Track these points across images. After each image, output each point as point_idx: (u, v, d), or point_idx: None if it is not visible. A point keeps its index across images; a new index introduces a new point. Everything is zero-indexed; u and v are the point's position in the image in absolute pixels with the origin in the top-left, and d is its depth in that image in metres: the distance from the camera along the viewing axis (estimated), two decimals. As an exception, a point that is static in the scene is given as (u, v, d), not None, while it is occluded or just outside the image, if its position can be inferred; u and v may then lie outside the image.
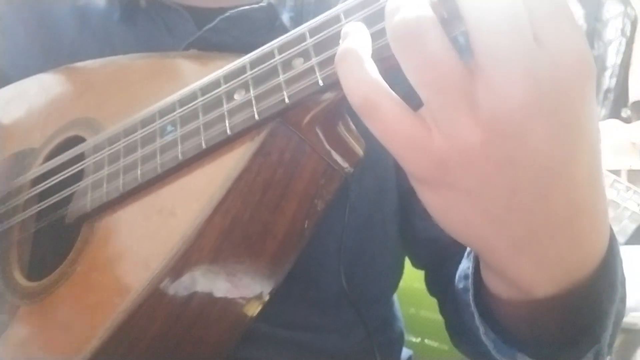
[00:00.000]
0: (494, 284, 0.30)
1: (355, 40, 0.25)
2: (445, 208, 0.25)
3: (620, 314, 0.29)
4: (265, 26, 0.46)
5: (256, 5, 0.46)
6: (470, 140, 0.22)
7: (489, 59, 0.21)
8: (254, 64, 0.32)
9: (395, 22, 0.23)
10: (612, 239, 0.28)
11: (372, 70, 0.24)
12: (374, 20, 0.27)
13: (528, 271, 0.26)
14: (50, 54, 0.52)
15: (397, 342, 0.58)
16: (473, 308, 0.32)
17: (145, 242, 0.34)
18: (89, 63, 0.47)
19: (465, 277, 0.34)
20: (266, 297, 0.38)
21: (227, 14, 0.45)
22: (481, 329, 0.32)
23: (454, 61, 0.22)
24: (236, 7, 0.46)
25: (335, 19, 0.29)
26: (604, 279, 0.28)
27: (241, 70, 0.33)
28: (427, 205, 0.26)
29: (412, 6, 0.23)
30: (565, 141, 0.22)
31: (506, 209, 0.24)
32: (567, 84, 0.22)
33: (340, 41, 0.26)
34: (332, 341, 0.49)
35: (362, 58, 0.24)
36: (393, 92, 0.24)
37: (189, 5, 0.50)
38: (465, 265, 0.37)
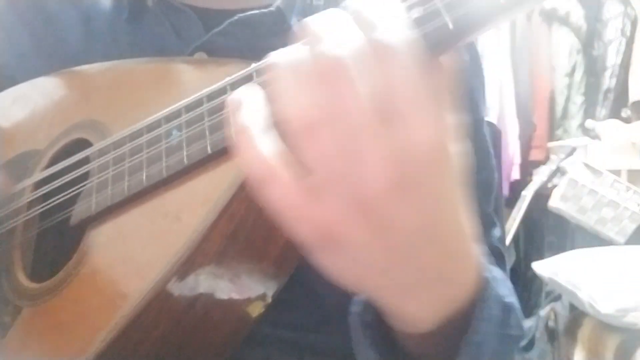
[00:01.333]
0: (389, 320, 0.34)
1: (246, 114, 0.27)
2: (337, 268, 0.29)
3: (480, 344, 0.34)
4: (273, 30, 0.46)
5: (265, 10, 0.46)
6: (349, 213, 0.26)
7: (355, 152, 0.24)
8: (260, 72, 0.32)
9: (291, 108, 0.25)
10: (483, 278, 0.34)
11: (267, 145, 0.26)
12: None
13: (415, 312, 0.31)
14: (56, 54, 0.51)
15: None
16: (358, 328, 0.36)
17: (150, 245, 0.34)
18: (94, 66, 0.47)
19: (359, 303, 0.37)
20: (269, 301, 0.38)
21: (235, 17, 0.45)
22: (358, 348, 0.36)
23: (340, 149, 0.25)
24: (244, 9, 0.46)
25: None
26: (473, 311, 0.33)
27: (248, 77, 0.33)
28: (322, 267, 0.29)
29: (307, 89, 0.25)
30: (428, 210, 0.26)
31: (387, 263, 0.28)
32: (425, 164, 0.25)
33: (231, 109, 0.28)
34: (334, 342, 0.49)
35: (254, 135, 0.26)
36: (285, 167, 0.26)
37: (196, 5, 0.49)
38: None
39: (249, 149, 0.26)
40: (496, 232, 0.56)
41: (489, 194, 0.56)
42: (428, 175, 0.26)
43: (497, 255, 0.52)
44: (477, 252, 0.33)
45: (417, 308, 0.31)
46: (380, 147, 0.24)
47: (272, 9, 0.46)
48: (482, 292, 0.34)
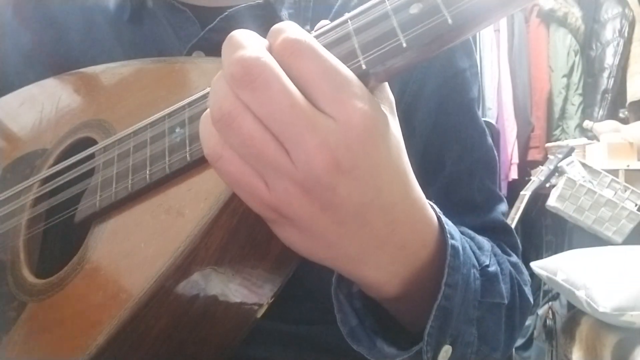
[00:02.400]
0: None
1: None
2: (292, 240, 0.31)
3: (447, 310, 0.36)
4: (264, 24, 0.47)
5: (253, 3, 0.47)
6: (292, 194, 0.27)
7: (287, 142, 0.26)
8: None
9: (211, 106, 0.28)
10: (445, 244, 0.36)
11: (213, 131, 0.28)
12: None
13: (371, 277, 0.34)
14: (59, 56, 0.52)
15: None
16: (334, 299, 0.38)
17: (152, 241, 0.34)
18: (100, 67, 0.47)
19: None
20: (270, 298, 0.38)
21: (225, 12, 0.46)
22: (338, 317, 0.37)
23: (265, 139, 0.26)
24: (236, 5, 0.47)
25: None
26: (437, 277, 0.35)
27: None
28: (281, 239, 0.31)
29: (223, 92, 0.27)
30: (370, 183, 0.28)
31: (337, 236, 0.30)
32: (359, 144, 0.27)
33: None
34: (335, 336, 0.50)
35: (208, 120, 0.28)
36: (225, 147, 0.28)
37: (193, 4, 0.50)
38: None
39: (204, 129, 0.29)
40: (502, 207, 0.56)
41: (491, 171, 0.56)
42: (362, 153, 0.27)
43: (504, 229, 0.53)
44: (429, 217, 0.34)
45: (372, 273, 0.33)
46: (308, 138, 0.26)
47: (260, 1, 0.47)
48: (450, 259, 0.35)
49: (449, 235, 0.36)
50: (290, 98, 0.26)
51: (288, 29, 0.27)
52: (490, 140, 0.57)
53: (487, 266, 0.41)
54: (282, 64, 0.27)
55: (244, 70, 0.26)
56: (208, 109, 0.28)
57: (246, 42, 0.27)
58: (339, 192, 0.27)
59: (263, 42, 0.28)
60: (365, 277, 0.34)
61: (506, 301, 0.42)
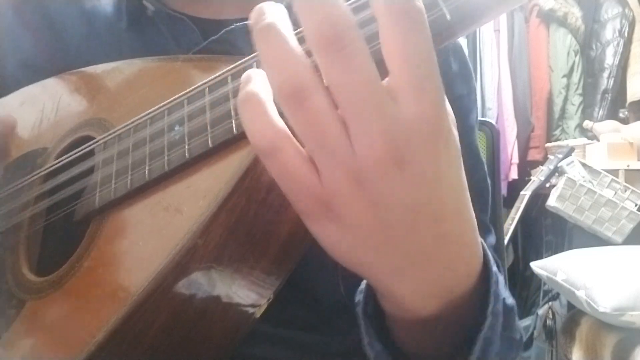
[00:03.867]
0: (385, 305, 0.34)
1: (257, 84, 0.27)
2: (332, 239, 0.29)
3: (489, 341, 0.33)
4: None
5: None
6: (345, 184, 0.26)
7: (352, 122, 0.25)
8: (260, 62, 0.33)
9: (281, 76, 0.25)
10: (489, 271, 0.33)
11: (275, 115, 0.26)
12: None
13: (408, 293, 0.30)
14: (57, 57, 0.52)
15: None
16: (361, 320, 0.35)
17: (151, 238, 0.34)
18: (100, 67, 0.47)
19: (360, 291, 0.36)
20: (269, 297, 0.38)
21: (232, 26, 0.46)
22: (365, 339, 0.35)
23: (332, 119, 0.25)
24: (242, 19, 0.47)
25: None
26: (474, 304, 0.32)
27: (248, 68, 0.33)
28: (317, 238, 0.29)
29: (296, 59, 0.25)
30: (424, 186, 0.26)
31: (382, 239, 0.28)
32: (420, 141, 0.25)
33: (242, 85, 0.28)
34: (332, 342, 0.50)
35: (266, 105, 0.26)
36: (293, 137, 0.27)
37: (195, 16, 0.50)
38: (364, 281, 0.39)
39: (257, 116, 0.26)
40: (491, 239, 0.55)
41: (483, 201, 0.55)
42: (423, 151, 0.25)
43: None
44: (478, 242, 0.32)
45: (410, 289, 0.30)
46: (375, 120, 0.24)
47: None
48: (492, 287, 0.33)
49: (491, 261, 0.33)
50: (371, 73, 0.24)
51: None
52: (484, 168, 0.56)
53: (505, 298, 0.39)
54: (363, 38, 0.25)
55: (337, 34, 0.24)
56: (249, 89, 0.27)
57: (334, 2, 0.24)
58: (392, 187, 0.26)
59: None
60: (402, 295, 0.30)
61: (519, 336, 0.40)
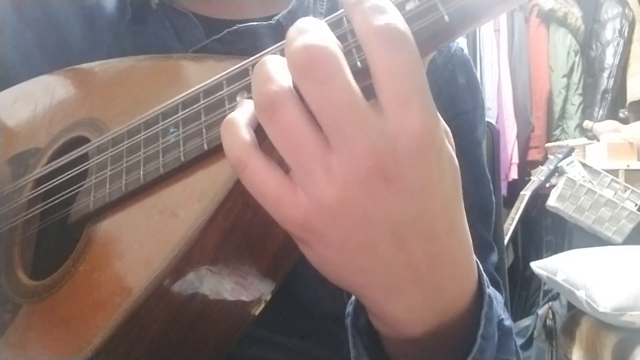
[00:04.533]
0: (375, 323, 0.32)
1: (237, 110, 0.29)
2: (320, 260, 0.28)
3: (485, 353, 0.32)
4: (271, 42, 0.46)
5: (265, 23, 0.47)
6: (328, 201, 0.25)
7: (334, 139, 0.24)
8: (254, 68, 0.32)
9: (258, 92, 0.26)
10: (482, 293, 0.32)
11: (246, 136, 0.27)
12: None
13: (399, 314, 0.29)
14: (59, 54, 0.52)
15: None
16: (349, 333, 0.34)
17: (147, 242, 0.34)
18: (93, 64, 0.47)
19: (351, 303, 0.35)
20: (266, 299, 0.38)
21: (235, 27, 0.46)
22: (353, 353, 0.34)
23: (309, 131, 0.25)
24: (245, 20, 0.47)
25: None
26: (468, 324, 0.31)
27: (244, 72, 0.33)
28: (308, 258, 0.29)
29: (272, 79, 0.25)
30: (413, 202, 0.25)
31: (369, 259, 0.26)
32: (408, 155, 0.24)
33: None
34: (326, 351, 0.50)
35: (238, 125, 0.27)
36: (264, 156, 0.27)
37: (199, 14, 0.50)
38: None
39: (228, 136, 0.27)
40: (493, 257, 0.54)
41: (486, 218, 0.54)
42: (411, 165, 0.25)
43: (492, 282, 0.49)
44: (473, 262, 0.31)
45: (401, 310, 0.29)
46: (358, 136, 0.24)
47: (272, 22, 0.47)
48: (487, 309, 0.32)
49: (486, 282, 0.32)
50: (350, 96, 0.24)
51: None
52: (490, 185, 0.55)
53: (503, 320, 0.38)
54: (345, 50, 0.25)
55: (308, 58, 0.24)
56: (230, 114, 0.28)
57: (312, 29, 0.25)
58: (379, 204, 0.25)
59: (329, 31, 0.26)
60: (393, 314, 0.29)
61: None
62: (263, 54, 0.33)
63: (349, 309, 0.35)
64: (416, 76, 0.25)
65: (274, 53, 0.32)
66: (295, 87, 0.25)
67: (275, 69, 0.26)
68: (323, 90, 0.24)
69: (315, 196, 0.25)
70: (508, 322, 0.37)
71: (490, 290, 0.33)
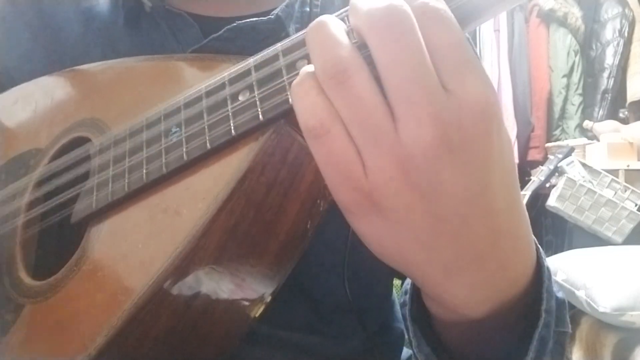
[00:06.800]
0: (432, 307, 0.32)
1: (307, 67, 0.27)
2: (378, 236, 0.27)
3: (545, 339, 0.31)
4: (270, 37, 0.45)
5: (264, 18, 0.46)
6: (392, 174, 0.24)
7: (401, 105, 0.24)
8: (258, 66, 0.33)
9: (324, 58, 0.25)
10: (541, 266, 0.31)
11: (323, 98, 0.25)
12: None
13: (460, 294, 0.28)
14: (54, 56, 0.51)
15: (397, 343, 0.58)
16: (408, 322, 0.33)
17: (150, 241, 0.34)
18: (94, 65, 0.47)
19: (405, 292, 0.35)
20: (269, 297, 0.38)
21: (234, 24, 0.45)
22: (414, 343, 0.33)
23: (377, 102, 0.24)
24: (241, 17, 0.46)
25: None
26: (529, 303, 0.30)
27: (246, 72, 0.33)
28: (361, 235, 0.28)
29: (341, 43, 0.25)
30: (477, 175, 0.25)
31: (433, 235, 0.26)
32: (471, 125, 0.24)
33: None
34: (331, 345, 0.50)
35: (319, 82, 0.26)
36: (337, 121, 0.25)
37: (195, 13, 0.50)
38: (408, 280, 0.37)
39: (310, 94, 0.25)
40: None
41: None
42: (475, 137, 0.24)
43: None
44: (532, 237, 0.30)
45: (461, 292, 0.28)
46: (425, 104, 0.23)
47: (271, 17, 0.46)
48: (545, 283, 0.31)
49: (543, 255, 0.31)
50: (422, 56, 0.24)
51: None
52: None
53: (556, 292, 0.36)
54: (413, 21, 0.24)
55: (390, 15, 0.24)
56: (302, 77, 0.26)
57: None
58: (444, 177, 0.24)
59: None
60: (452, 297, 0.28)
61: (570, 330, 0.38)
62: (263, 54, 0.33)
63: (404, 297, 0.34)
64: (469, 49, 0.25)
65: (280, 49, 0.32)
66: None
67: (340, 32, 0.25)
68: (402, 48, 0.24)
69: (379, 168, 0.24)
70: (560, 294, 0.36)
71: (547, 263, 0.32)
